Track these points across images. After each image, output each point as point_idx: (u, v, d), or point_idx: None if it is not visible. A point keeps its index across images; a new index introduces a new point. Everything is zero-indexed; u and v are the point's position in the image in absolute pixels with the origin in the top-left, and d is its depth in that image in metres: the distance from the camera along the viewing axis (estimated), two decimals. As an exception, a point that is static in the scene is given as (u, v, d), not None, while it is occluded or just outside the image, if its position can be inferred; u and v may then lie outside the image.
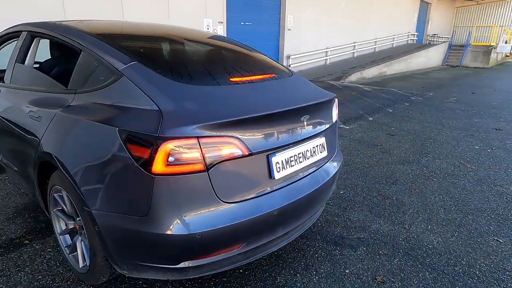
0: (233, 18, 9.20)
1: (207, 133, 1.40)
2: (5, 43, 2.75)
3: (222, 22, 8.91)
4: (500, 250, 2.33)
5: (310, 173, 1.86)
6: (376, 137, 4.91)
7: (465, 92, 9.31)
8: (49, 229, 2.37)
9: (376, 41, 15.37)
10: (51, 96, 1.91)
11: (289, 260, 2.15)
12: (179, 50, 2.30)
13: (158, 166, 1.35)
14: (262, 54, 2.48)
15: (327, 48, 12.45)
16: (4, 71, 2.49)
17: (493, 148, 4.55)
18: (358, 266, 2.12)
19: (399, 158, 4.05)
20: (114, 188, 1.47)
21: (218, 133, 1.42)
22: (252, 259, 1.74)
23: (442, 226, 2.60)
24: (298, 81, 2.09)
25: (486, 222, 2.68)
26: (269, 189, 1.63)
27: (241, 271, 2.03)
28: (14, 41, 2.67)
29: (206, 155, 1.40)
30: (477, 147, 4.58)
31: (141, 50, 1.97)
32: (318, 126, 1.89)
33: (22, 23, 2.46)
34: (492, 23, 19.18)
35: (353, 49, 14.06)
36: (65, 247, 1.97)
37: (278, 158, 1.65)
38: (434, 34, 19.61)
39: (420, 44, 17.83)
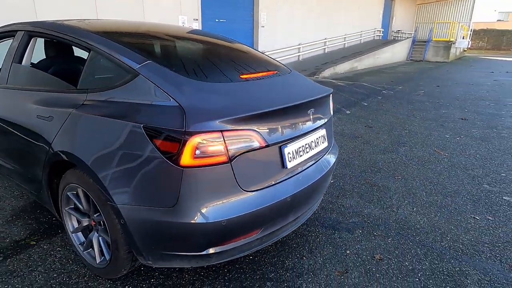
0: (208, 15, 9.22)
1: (230, 126, 1.50)
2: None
3: (197, 19, 8.90)
4: (477, 226, 2.60)
5: (315, 162, 2.01)
6: (356, 129, 5.17)
7: (430, 85, 9.88)
8: (53, 229, 2.37)
9: (345, 37, 15.85)
10: (61, 96, 1.91)
11: (294, 245, 2.30)
12: (185, 48, 2.37)
13: (186, 159, 1.44)
14: (260, 52, 2.59)
15: (299, 44, 12.71)
16: None
17: (461, 136, 4.94)
18: (357, 247, 2.30)
19: (380, 148, 4.32)
20: (140, 182, 1.53)
21: (239, 127, 1.53)
22: (266, 244, 1.87)
23: (426, 208, 2.85)
24: (299, 77, 2.23)
25: (463, 202, 2.97)
26: (282, 178, 1.76)
27: (251, 257, 2.15)
28: (3, 41, 2.62)
29: (229, 148, 1.50)
30: (447, 136, 4.95)
31: (152, 49, 2.03)
32: (321, 119, 2.04)
33: (15, 22, 2.42)
34: (451, 20, 20.33)
35: (324, 45, 14.42)
36: (79, 244, 2.00)
37: (289, 149, 1.78)
38: (398, 30, 20.48)
39: (386, 40, 18.59)
